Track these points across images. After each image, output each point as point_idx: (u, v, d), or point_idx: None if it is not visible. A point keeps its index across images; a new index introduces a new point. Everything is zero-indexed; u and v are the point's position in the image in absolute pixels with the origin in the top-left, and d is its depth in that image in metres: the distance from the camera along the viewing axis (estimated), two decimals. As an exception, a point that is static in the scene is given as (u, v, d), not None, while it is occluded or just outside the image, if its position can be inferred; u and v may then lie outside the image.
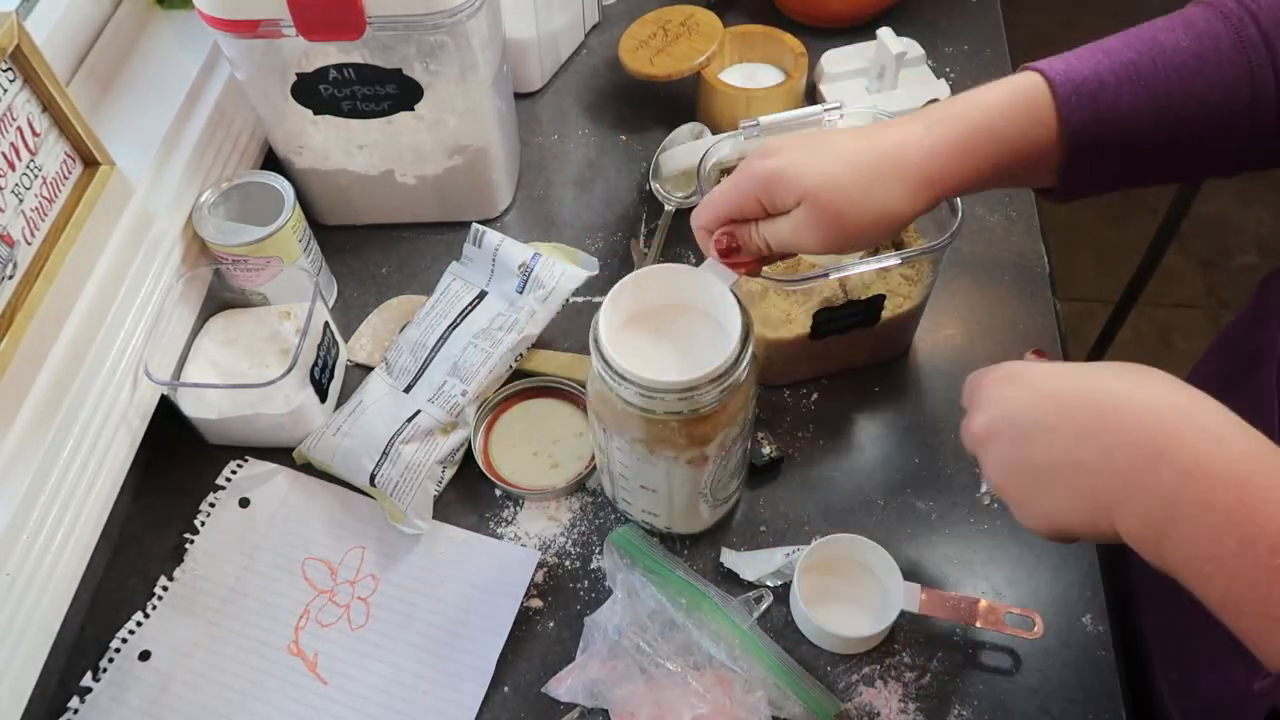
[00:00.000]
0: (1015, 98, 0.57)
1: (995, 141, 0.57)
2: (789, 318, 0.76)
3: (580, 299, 0.85)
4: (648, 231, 0.92)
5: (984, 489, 0.60)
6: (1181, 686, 0.66)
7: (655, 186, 0.91)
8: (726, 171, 0.79)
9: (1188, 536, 0.41)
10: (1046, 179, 0.60)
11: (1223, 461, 0.40)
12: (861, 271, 0.70)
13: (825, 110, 0.76)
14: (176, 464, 0.79)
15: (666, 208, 0.90)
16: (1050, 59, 0.58)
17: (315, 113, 0.81)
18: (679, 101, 1.01)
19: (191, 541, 0.75)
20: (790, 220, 0.59)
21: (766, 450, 0.76)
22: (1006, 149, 0.57)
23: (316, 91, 0.79)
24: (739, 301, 0.63)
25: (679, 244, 0.90)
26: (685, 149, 0.92)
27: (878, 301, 0.76)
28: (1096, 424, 0.44)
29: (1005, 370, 0.51)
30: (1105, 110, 0.55)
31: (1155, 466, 0.42)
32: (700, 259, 0.64)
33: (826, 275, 0.69)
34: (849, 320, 0.76)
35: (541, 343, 0.81)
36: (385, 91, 0.79)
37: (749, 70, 0.99)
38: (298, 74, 0.78)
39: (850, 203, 0.57)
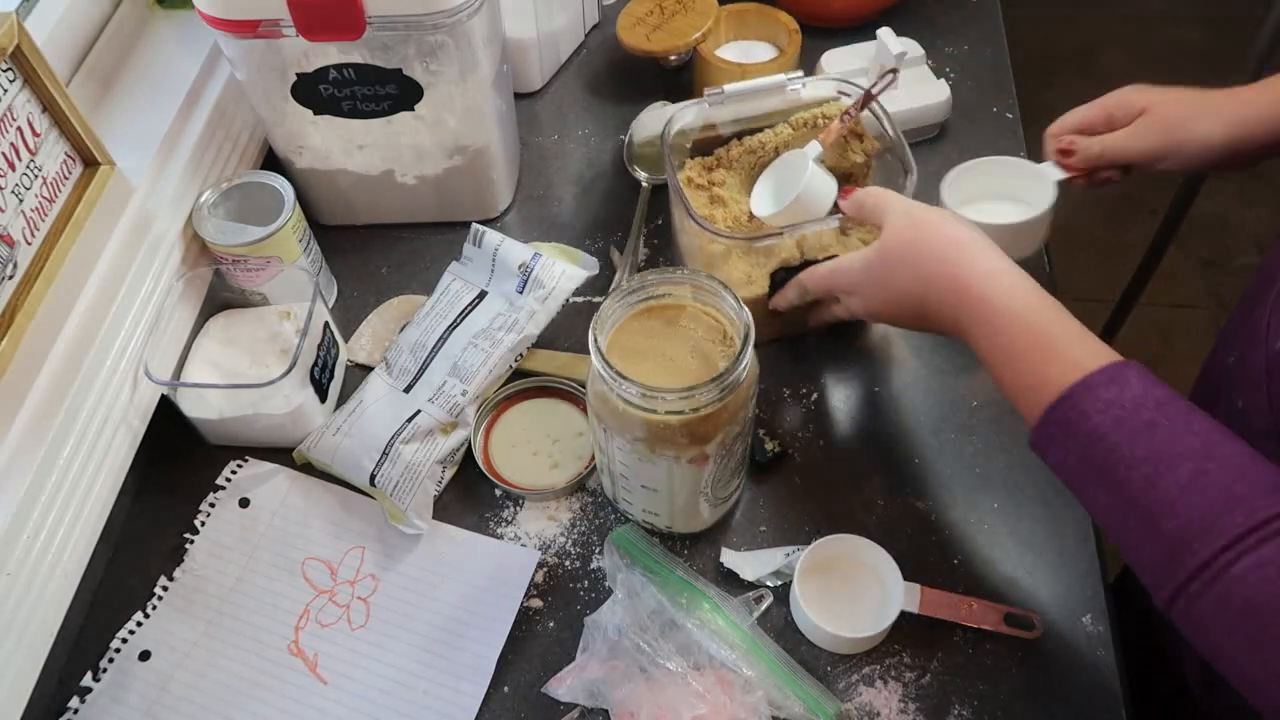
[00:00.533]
0: None
1: None
2: (749, 279, 0.78)
3: (580, 299, 0.85)
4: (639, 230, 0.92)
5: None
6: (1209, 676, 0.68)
7: (629, 165, 0.91)
8: (698, 143, 0.84)
9: (972, 334, 0.62)
10: None
11: (991, 295, 0.61)
12: (815, 230, 0.75)
13: (789, 79, 0.80)
14: (176, 464, 0.79)
15: (643, 184, 0.89)
16: None
17: (315, 113, 0.81)
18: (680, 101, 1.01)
19: (191, 541, 0.75)
20: (1130, 128, 0.74)
21: (769, 446, 0.76)
22: None
23: (316, 91, 0.79)
24: (739, 301, 0.63)
25: (662, 244, 0.90)
26: (653, 115, 0.92)
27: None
28: (921, 308, 0.66)
29: (846, 282, 0.71)
30: None
31: (956, 319, 0.63)
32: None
33: (781, 234, 0.74)
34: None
35: (541, 343, 0.81)
36: (385, 91, 0.79)
37: (744, 47, 1.00)
38: (298, 74, 0.78)
39: (1181, 118, 0.72)
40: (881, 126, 0.79)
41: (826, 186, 0.78)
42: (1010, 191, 0.83)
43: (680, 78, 1.04)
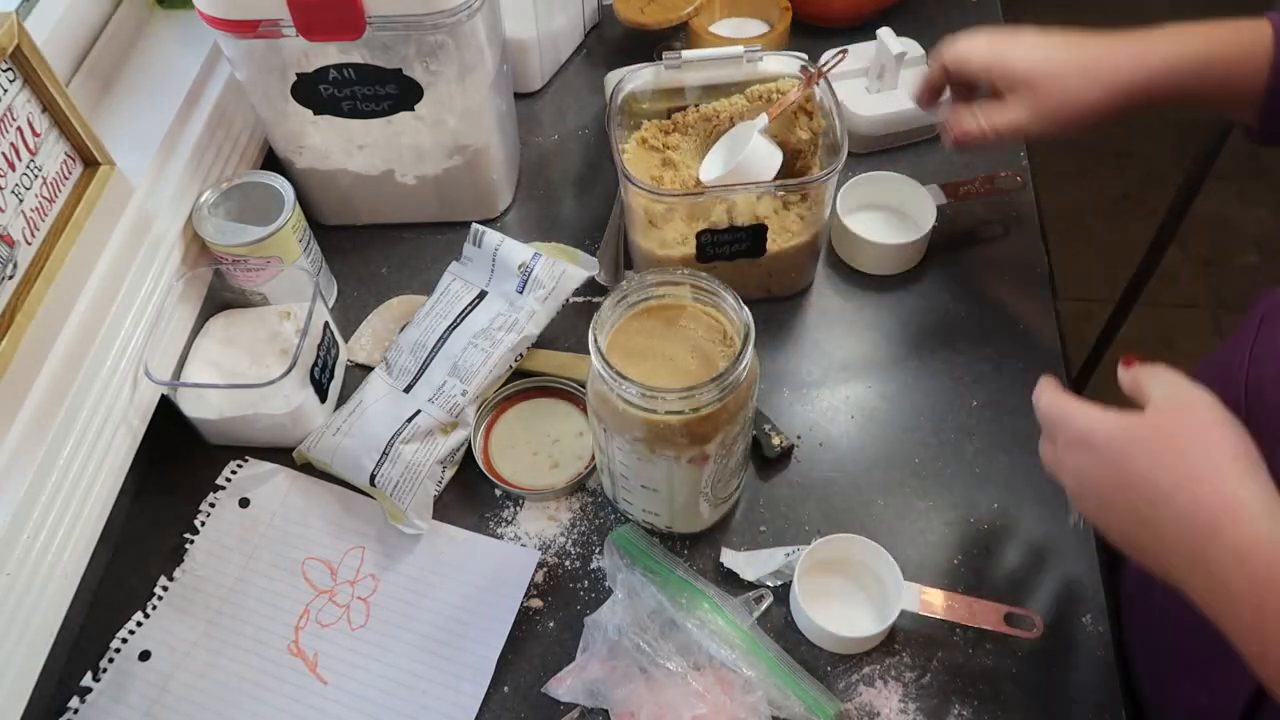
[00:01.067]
0: (1238, 27, 0.65)
1: (1212, 71, 0.65)
2: (683, 240, 0.80)
3: (580, 299, 0.85)
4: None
5: (1073, 519, 0.72)
6: (1158, 694, 0.66)
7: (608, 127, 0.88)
8: (655, 114, 0.86)
9: (1223, 608, 0.47)
10: (1244, 115, 0.66)
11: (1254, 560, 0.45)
12: (745, 194, 0.77)
13: (746, 50, 0.82)
14: (176, 464, 0.79)
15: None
16: None
17: (315, 113, 0.81)
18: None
19: (191, 541, 0.75)
20: (1014, 103, 0.70)
21: (776, 441, 0.76)
22: (1219, 78, 0.65)
23: (316, 91, 0.79)
24: (739, 301, 0.63)
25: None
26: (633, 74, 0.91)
27: (761, 231, 0.79)
28: (1151, 514, 0.49)
29: (1077, 432, 0.54)
30: None
31: (1203, 554, 0.47)
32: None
33: (702, 194, 0.78)
34: (734, 247, 0.80)
35: (541, 343, 0.81)
36: (385, 92, 0.79)
37: (737, 24, 1.02)
38: (297, 74, 0.78)
39: (1065, 91, 0.68)
40: (825, 105, 0.81)
41: (769, 157, 0.81)
42: (897, 205, 0.90)
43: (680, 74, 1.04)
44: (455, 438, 0.76)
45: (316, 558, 0.75)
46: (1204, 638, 0.49)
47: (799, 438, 0.79)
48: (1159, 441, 0.49)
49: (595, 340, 0.61)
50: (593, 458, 0.76)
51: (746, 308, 0.63)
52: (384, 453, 0.74)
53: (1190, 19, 0.66)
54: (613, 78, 0.97)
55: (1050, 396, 0.56)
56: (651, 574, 0.69)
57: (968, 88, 0.77)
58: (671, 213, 0.80)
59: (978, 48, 0.72)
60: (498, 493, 0.77)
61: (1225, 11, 0.65)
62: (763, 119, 0.81)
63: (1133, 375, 0.54)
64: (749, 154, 0.79)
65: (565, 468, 0.77)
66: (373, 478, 0.73)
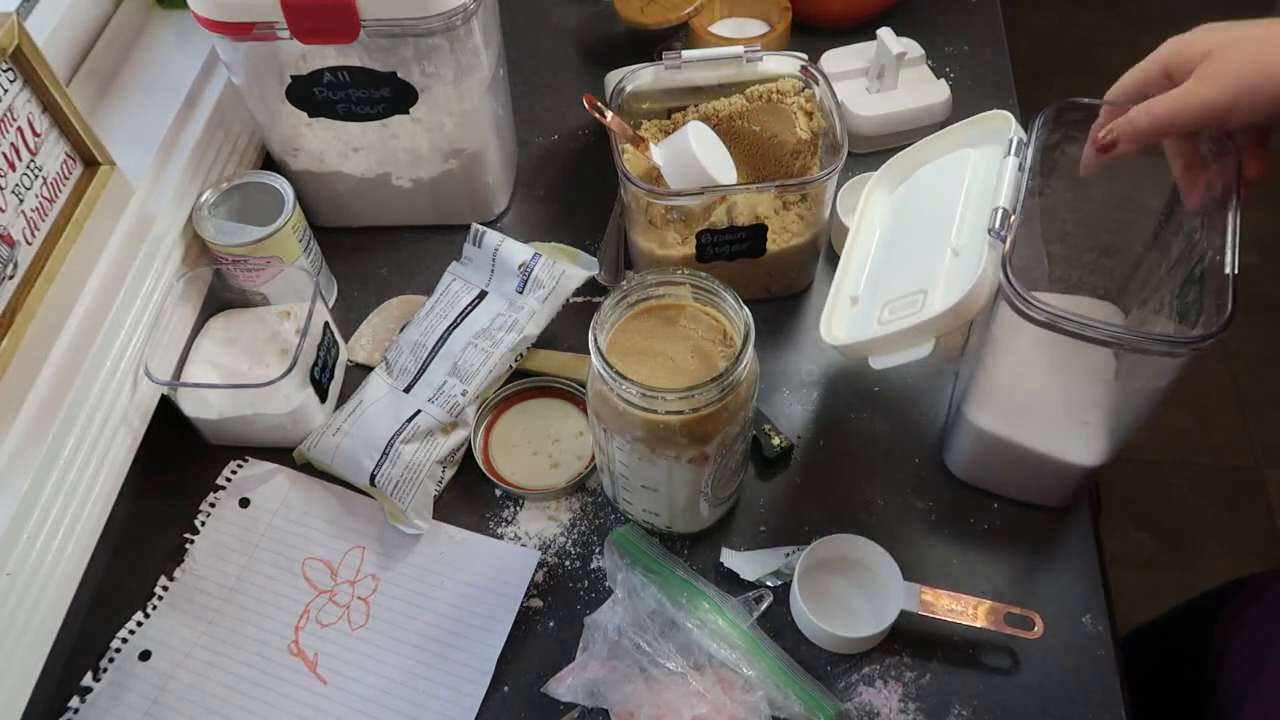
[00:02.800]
0: None
1: None
2: (683, 240, 0.80)
3: (580, 299, 0.85)
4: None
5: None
6: None
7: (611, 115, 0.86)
8: (655, 114, 0.86)
9: None
10: None
11: None
12: (742, 193, 0.76)
13: (745, 50, 0.81)
14: (176, 464, 0.79)
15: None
16: None
17: (310, 115, 0.81)
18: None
19: (191, 541, 0.75)
20: (1188, 82, 0.58)
21: (776, 441, 0.76)
22: None
23: (311, 94, 0.79)
24: (739, 301, 0.63)
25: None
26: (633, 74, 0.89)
27: (761, 231, 0.79)
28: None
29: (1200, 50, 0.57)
30: None
31: None
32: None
33: (701, 194, 0.76)
34: (734, 247, 0.79)
35: (542, 343, 0.81)
36: (380, 95, 0.79)
37: (737, 24, 1.02)
38: (292, 76, 0.78)
39: (1254, 53, 0.56)
40: (825, 106, 0.81)
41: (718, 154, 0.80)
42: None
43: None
44: (455, 438, 0.76)
45: (316, 558, 0.75)
46: None
47: (799, 437, 0.79)
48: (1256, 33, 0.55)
49: (595, 340, 0.61)
50: (593, 458, 0.76)
51: (746, 308, 0.63)
52: (384, 453, 0.74)
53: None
54: (613, 78, 0.97)
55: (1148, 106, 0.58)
56: (651, 574, 0.69)
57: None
58: (671, 212, 0.80)
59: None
60: (498, 493, 0.77)
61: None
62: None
63: (1131, 126, 0.58)
64: (698, 155, 0.77)
65: (565, 468, 0.77)
66: (373, 478, 0.73)
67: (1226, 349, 1.88)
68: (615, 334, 0.65)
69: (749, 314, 0.62)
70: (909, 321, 0.66)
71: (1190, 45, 0.59)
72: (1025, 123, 0.98)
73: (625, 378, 0.59)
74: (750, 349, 0.61)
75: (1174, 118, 0.58)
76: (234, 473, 0.78)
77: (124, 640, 0.71)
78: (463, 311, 0.81)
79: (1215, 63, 0.57)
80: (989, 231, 0.62)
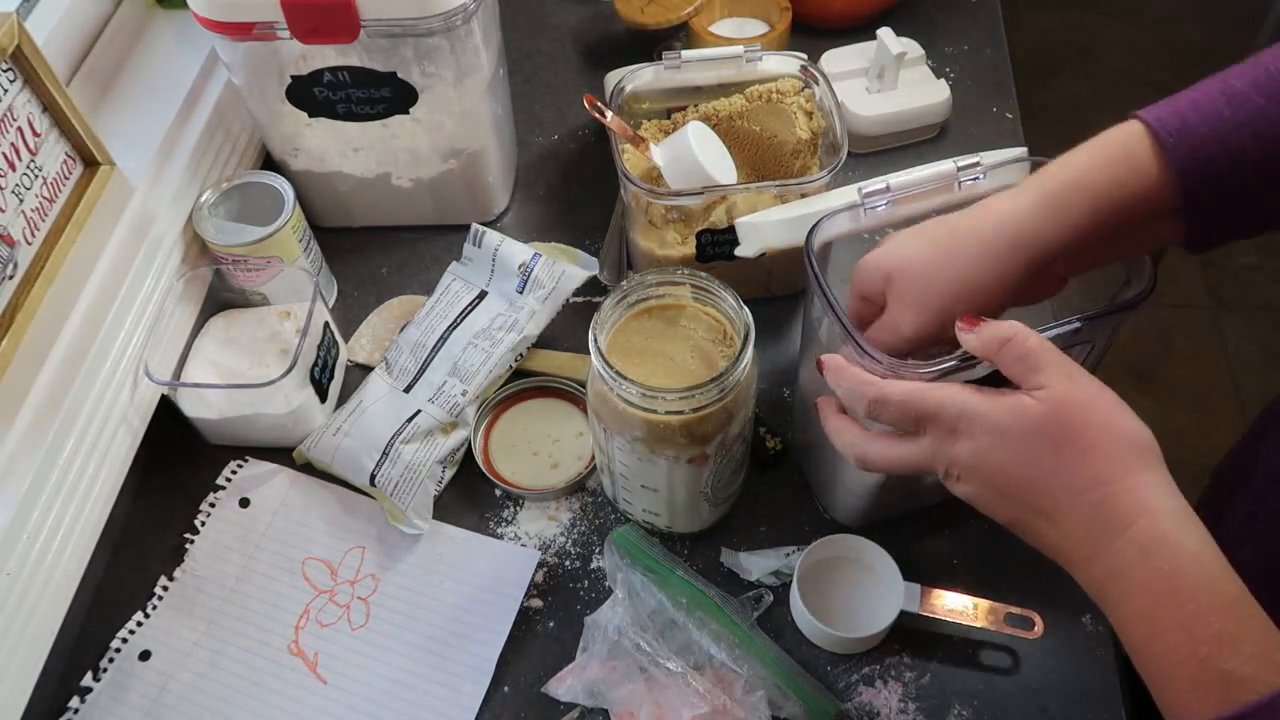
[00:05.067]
0: (1108, 148, 0.54)
1: (1086, 194, 0.54)
2: (683, 240, 0.80)
3: (580, 299, 0.85)
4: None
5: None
6: None
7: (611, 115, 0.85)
8: (655, 114, 0.85)
9: (1120, 568, 0.47)
10: (1170, 232, 0.56)
11: (1170, 532, 0.46)
12: (741, 193, 0.76)
13: (745, 50, 0.80)
14: (176, 464, 0.79)
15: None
16: (1160, 104, 0.54)
17: (310, 115, 0.81)
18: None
19: (191, 541, 0.75)
20: (885, 314, 0.58)
21: (770, 445, 0.76)
22: (1102, 202, 0.54)
23: (311, 94, 0.79)
24: (739, 302, 0.63)
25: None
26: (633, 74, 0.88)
27: None
28: (1052, 506, 0.49)
29: (965, 416, 0.50)
30: (1221, 161, 0.52)
31: (1107, 547, 0.47)
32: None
33: (702, 193, 0.76)
34: (734, 247, 0.76)
35: (541, 343, 0.81)
36: (380, 95, 0.79)
37: (737, 24, 1.02)
38: (292, 76, 0.78)
39: (927, 277, 0.56)
40: (825, 105, 0.81)
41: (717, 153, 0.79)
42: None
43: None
44: (455, 438, 0.76)
45: (316, 558, 0.75)
46: None
47: (799, 437, 0.79)
48: (1064, 437, 0.48)
49: (595, 340, 0.61)
50: (593, 458, 0.76)
51: (746, 308, 0.63)
52: (384, 453, 0.74)
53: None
54: (612, 78, 0.97)
55: (914, 389, 0.52)
56: (651, 574, 0.69)
57: None
58: (671, 212, 0.80)
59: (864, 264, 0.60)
60: (498, 493, 0.77)
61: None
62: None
63: (990, 337, 0.51)
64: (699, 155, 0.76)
65: (565, 468, 0.77)
66: (373, 478, 0.73)
67: (1227, 349, 1.88)
68: (615, 334, 0.65)
69: (749, 314, 0.62)
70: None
71: (870, 270, 0.59)
72: (1024, 124, 0.99)
73: (625, 378, 0.59)
74: (750, 349, 0.61)
75: (892, 343, 0.58)
76: (234, 473, 0.78)
77: (124, 640, 0.71)
78: (463, 311, 0.81)
79: (896, 291, 0.57)
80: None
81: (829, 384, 0.57)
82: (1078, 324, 0.56)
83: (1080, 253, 0.56)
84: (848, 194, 0.67)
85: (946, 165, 0.65)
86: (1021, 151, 0.66)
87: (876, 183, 0.65)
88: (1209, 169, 0.52)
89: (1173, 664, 0.44)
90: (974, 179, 0.65)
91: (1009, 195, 0.56)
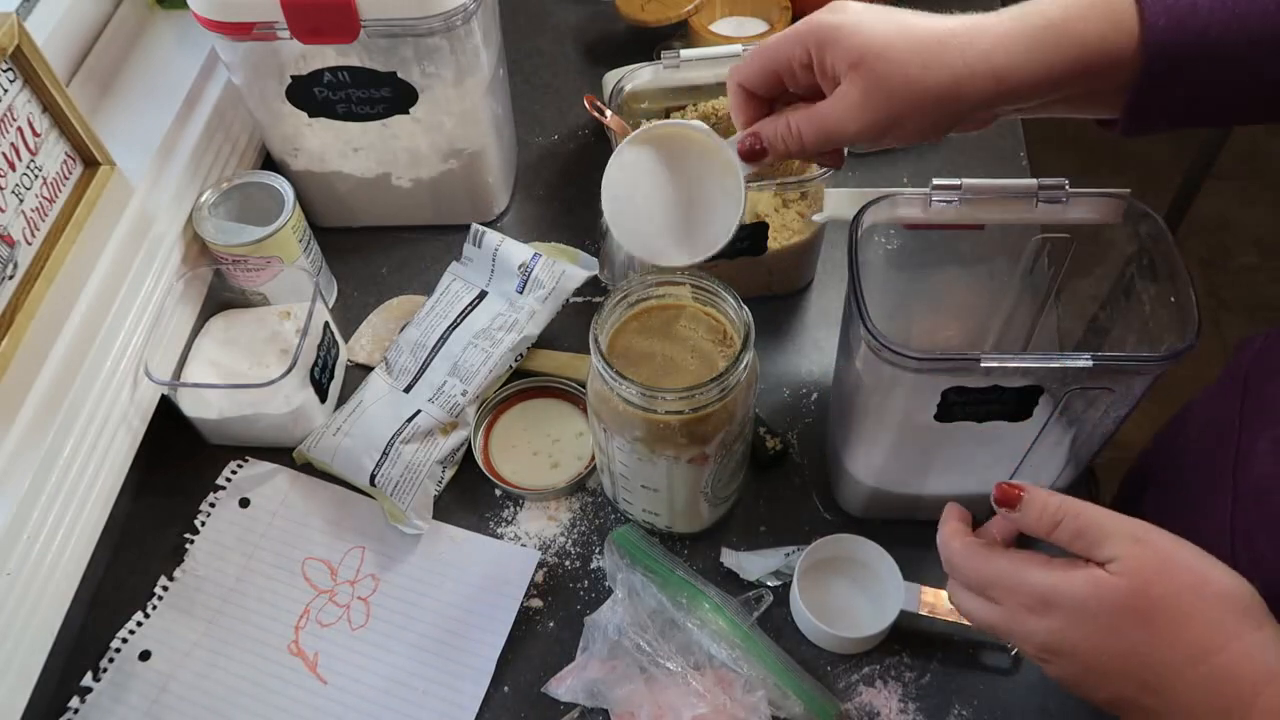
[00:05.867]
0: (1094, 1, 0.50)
1: (1071, 40, 0.50)
2: None
3: (580, 299, 0.85)
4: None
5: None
6: None
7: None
8: (654, 114, 0.84)
9: None
10: (1114, 101, 0.52)
11: None
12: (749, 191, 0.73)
13: (744, 49, 0.79)
14: (176, 464, 0.79)
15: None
16: None
17: (310, 115, 0.81)
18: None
19: (191, 541, 0.75)
20: (836, 97, 0.52)
21: (770, 445, 0.76)
22: (1082, 52, 0.50)
23: (311, 94, 0.79)
24: (739, 301, 0.63)
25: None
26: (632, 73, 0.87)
27: (762, 229, 0.78)
28: (1161, 684, 0.45)
29: (1036, 595, 0.47)
30: (1193, 26, 0.49)
31: (1243, 715, 0.43)
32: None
33: None
34: (735, 245, 0.75)
35: (542, 343, 0.81)
36: (380, 95, 0.79)
37: (737, 22, 1.02)
38: (292, 76, 0.78)
39: (906, 77, 0.50)
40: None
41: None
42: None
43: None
44: (455, 438, 0.76)
45: (316, 558, 0.75)
46: None
47: (798, 437, 0.79)
48: (1154, 609, 0.44)
49: (595, 340, 0.61)
50: (593, 458, 0.76)
51: (747, 308, 0.63)
52: (384, 453, 0.74)
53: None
54: (611, 77, 0.97)
55: (977, 553, 0.50)
56: (651, 574, 0.69)
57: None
58: None
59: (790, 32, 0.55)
60: (498, 493, 0.77)
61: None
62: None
63: (1039, 514, 0.48)
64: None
65: (565, 468, 0.77)
66: (373, 478, 0.73)
67: (1227, 349, 1.88)
68: (615, 334, 0.65)
69: (749, 314, 0.62)
70: None
71: (836, 41, 0.51)
72: (1025, 123, 0.98)
73: (625, 377, 0.59)
74: (750, 350, 0.61)
75: (829, 140, 0.54)
76: (234, 473, 0.78)
77: (124, 640, 0.71)
78: (463, 311, 0.81)
79: (866, 78, 0.51)
80: None
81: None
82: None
83: (1041, 93, 0.52)
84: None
85: (1028, 182, 0.62)
86: (1124, 192, 0.62)
87: (951, 180, 0.62)
88: (1178, 42, 0.49)
89: None
90: (1056, 201, 0.62)
91: (994, 20, 0.51)
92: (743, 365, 0.61)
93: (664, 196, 0.62)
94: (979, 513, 0.62)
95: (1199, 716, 0.43)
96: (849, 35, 0.51)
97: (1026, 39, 0.50)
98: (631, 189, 0.62)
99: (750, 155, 0.56)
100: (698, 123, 0.60)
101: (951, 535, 0.52)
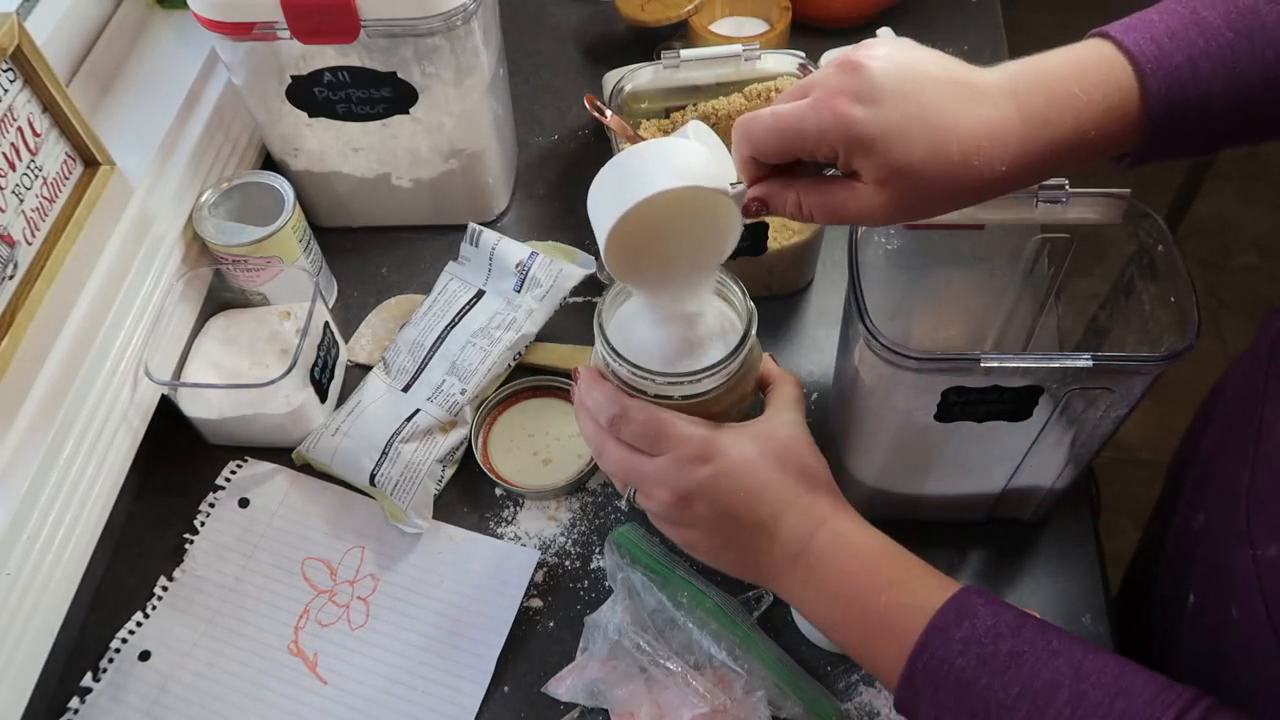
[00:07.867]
0: (1088, 68, 0.53)
1: (1085, 150, 0.52)
2: None
3: (578, 298, 0.85)
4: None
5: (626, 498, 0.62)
6: None
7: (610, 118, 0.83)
8: (654, 114, 0.84)
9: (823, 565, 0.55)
10: (1117, 151, 0.54)
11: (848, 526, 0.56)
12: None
13: (744, 49, 0.79)
14: (176, 464, 0.79)
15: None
16: (1130, 26, 0.53)
17: (310, 115, 0.81)
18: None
19: (191, 541, 0.75)
20: (857, 194, 0.51)
21: None
22: (1091, 151, 0.52)
23: (311, 94, 0.79)
24: (744, 290, 0.62)
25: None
26: (632, 73, 0.86)
27: (762, 230, 0.78)
28: (769, 521, 0.55)
29: (703, 447, 0.56)
30: (1193, 95, 0.50)
31: (806, 546, 0.55)
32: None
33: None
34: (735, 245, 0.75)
35: (540, 340, 0.81)
36: (380, 95, 0.79)
37: (737, 22, 1.02)
38: (292, 76, 0.78)
39: (930, 195, 0.51)
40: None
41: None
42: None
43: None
44: (454, 436, 0.76)
45: (316, 558, 0.75)
46: None
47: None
48: (783, 462, 0.57)
49: (600, 326, 0.60)
50: (593, 457, 0.76)
51: (750, 299, 0.62)
52: (384, 452, 0.74)
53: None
54: (611, 77, 0.97)
55: (647, 407, 0.56)
56: (652, 574, 0.69)
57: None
58: None
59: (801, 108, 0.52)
60: (498, 492, 0.77)
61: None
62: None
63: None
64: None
65: (565, 467, 0.77)
66: (372, 477, 0.73)
67: (1227, 349, 1.88)
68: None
69: (752, 304, 0.62)
70: None
71: (868, 154, 0.50)
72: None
73: (648, 370, 0.58)
74: (752, 339, 0.60)
75: (838, 222, 0.55)
76: (234, 473, 0.78)
77: (124, 640, 0.71)
78: (460, 311, 0.81)
79: (892, 192, 0.50)
80: None
81: (578, 393, 0.58)
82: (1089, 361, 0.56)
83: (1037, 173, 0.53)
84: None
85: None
86: (1124, 192, 0.62)
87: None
88: (1181, 104, 0.50)
89: (867, 623, 0.52)
90: (1057, 201, 0.62)
91: (1016, 126, 0.51)
92: (743, 355, 0.60)
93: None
94: (979, 513, 0.63)
95: (786, 542, 0.55)
96: (882, 153, 0.49)
97: (1042, 150, 0.51)
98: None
99: (753, 215, 0.57)
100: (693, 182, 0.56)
101: (625, 403, 0.57)
